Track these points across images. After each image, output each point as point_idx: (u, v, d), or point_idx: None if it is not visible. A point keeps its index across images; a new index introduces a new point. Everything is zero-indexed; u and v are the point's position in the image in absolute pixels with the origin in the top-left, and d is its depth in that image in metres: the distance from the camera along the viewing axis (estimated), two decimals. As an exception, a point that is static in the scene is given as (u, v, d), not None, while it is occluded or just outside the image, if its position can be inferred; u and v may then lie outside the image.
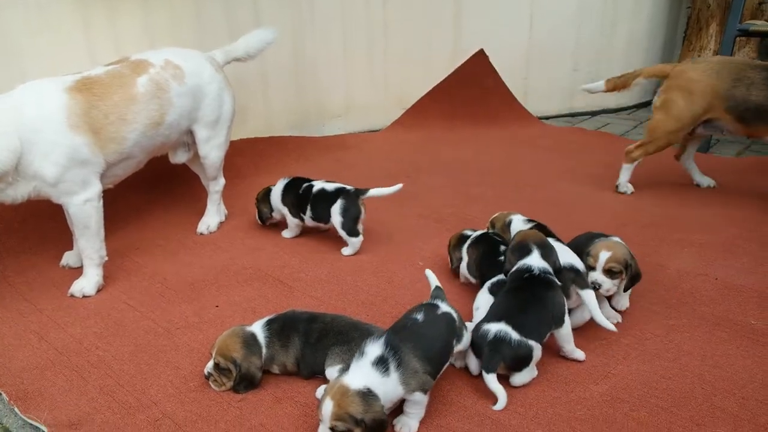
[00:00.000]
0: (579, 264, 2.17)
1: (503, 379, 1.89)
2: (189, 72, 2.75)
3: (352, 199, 2.79)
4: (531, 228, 2.42)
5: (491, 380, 1.84)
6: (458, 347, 1.87)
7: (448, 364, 1.83)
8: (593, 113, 5.55)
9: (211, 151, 2.94)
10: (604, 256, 2.20)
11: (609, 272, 2.21)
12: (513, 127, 4.92)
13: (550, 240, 2.26)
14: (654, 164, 4.10)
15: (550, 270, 2.07)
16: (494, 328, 1.90)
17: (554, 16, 5.23)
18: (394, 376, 1.64)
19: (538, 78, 5.33)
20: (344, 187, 2.84)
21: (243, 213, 3.29)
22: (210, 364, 1.93)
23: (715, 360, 2.05)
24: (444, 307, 1.86)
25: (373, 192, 2.82)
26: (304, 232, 3.02)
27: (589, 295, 2.08)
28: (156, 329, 2.24)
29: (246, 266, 2.71)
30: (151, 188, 3.47)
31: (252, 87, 4.16)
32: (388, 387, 1.63)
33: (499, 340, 1.88)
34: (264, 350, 1.95)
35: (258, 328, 1.99)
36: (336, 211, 2.77)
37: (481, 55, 4.91)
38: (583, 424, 1.77)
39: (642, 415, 1.81)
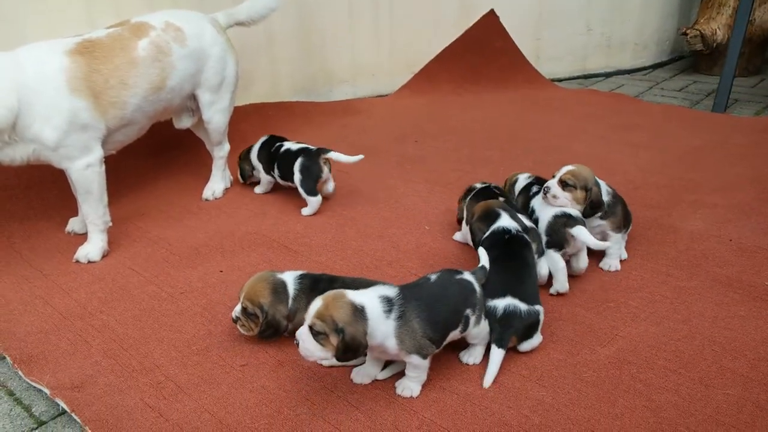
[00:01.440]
0: (572, 211, 2.23)
1: (509, 349, 1.85)
2: (190, 34, 2.69)
3: (313, 157, 2.82)
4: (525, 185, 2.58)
5: (498, 357, 1.79)
6: (475, 328, 1.77)
7: (459, 333, 1.76)
8: (607, 75, 5.41)
9: (215, 115, 2.89)
10: (564, 168, 2.29)
11: (563, 183, 2.25)
12: (524, 89, 4.81)
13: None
14: (667, 127, 4.00)
15: (521, 229, 2.11)
16: (501, 303, 1.85)
17: (567, -26, 5.07)
18: (391, 323, 1.61)
19: (551, 39, 5.19)
20: (307, 147, 2.89)
21: (248, 179, 3.26)
22: (238, 307, 1.93)
23: (727, 322, 2.01)
24: (465, 274, 1.80)
25: (334, 155, 2.84)
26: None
27: (580, 230, 2.14)
28: (160, 294, 2.24)
29: (250, 231, 2.69)
30: (156, 154, 3.44)
31: (257, 51, 4.08)
32: (381, 327, 1.60)
33: (509, 314, 1.84)
34: (290, 302, 1.93)
35: (290, 278, 1.96)
36: (296, 168, 2.83)
37: (491, 15, 4.78)
38: (588, 386, 1.74)
39: (649, 377, 1.78)
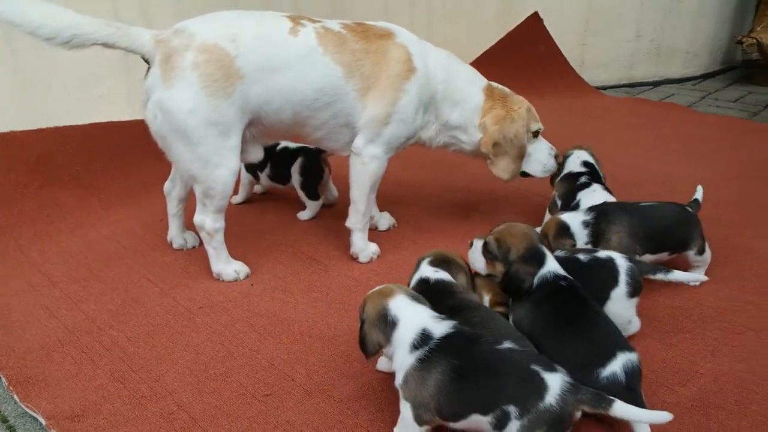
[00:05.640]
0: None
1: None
2: None
3: (314, 157, 2.62)
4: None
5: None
6: None
7: (491, 427, 1.32)
8: (655, 84, 5.11)
9: None
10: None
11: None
12: (567, 97, 4.54)
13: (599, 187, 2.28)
14: (727, 138, 3.70)
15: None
16: (617, 366, 1.46)
17: (617, -25, 4.79)
18: (410, 359, 1.38)
19: (597, 45, 4.91)
20: (306, 147, 2.65)
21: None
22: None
23: (829, 361, 1.72)
24: (547, 374, 1.31)
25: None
26: (340, 209, 2.76)
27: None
28: (176, 308, 2.02)
29: (277, 242, 2.47)
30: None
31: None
32: (399, 355, 1.41)
33: (632, 372, 1.46)
34: None
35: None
36: (295, 169, 2.63)
37: (535, 18, 4.53)
38: (672, 434, 1.47)
39: (742, 426, 1.50)
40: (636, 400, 1.40)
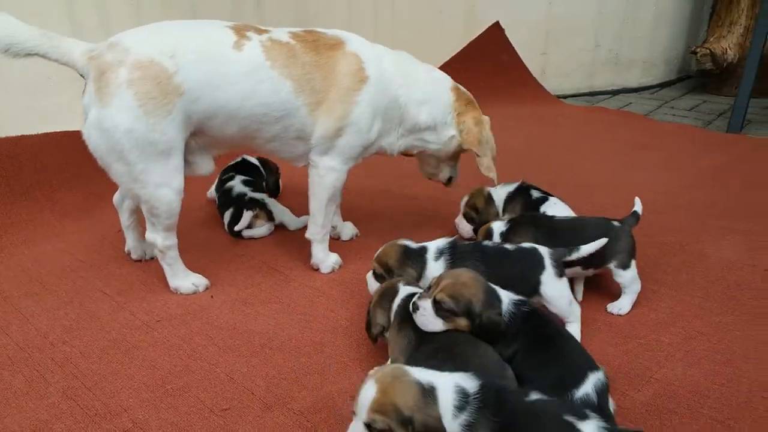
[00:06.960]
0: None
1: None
2: None
3: (240, 211, 2.55)
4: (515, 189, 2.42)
5: None
6: None
7: None
8: (614, 92, 5.23)
9: None
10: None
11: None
12: (529, 106, 4.61)
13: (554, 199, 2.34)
14: (682, 146, 3.80)
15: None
16: (589, 387, 1.45)
17: (575, -13, 4.90)
18: (455, 427, 1.22)
19: (557, 54, 5.01)
20: (240, 195, 2.61)
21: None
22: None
23: (776, 364, 1.78)
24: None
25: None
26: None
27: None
28: (133, 322, 1.98)
29: (238, 253, 2.44)
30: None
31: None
32: (446, 423, 1.22)
33: (603, 391, 1.48)
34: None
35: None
36: (228, 215, 2.60)
37: (496, 28, 4.60)
38: (626, 440, 1.50)
39: (695, 430, 1.54)
40: (606, 420, 1.38)
